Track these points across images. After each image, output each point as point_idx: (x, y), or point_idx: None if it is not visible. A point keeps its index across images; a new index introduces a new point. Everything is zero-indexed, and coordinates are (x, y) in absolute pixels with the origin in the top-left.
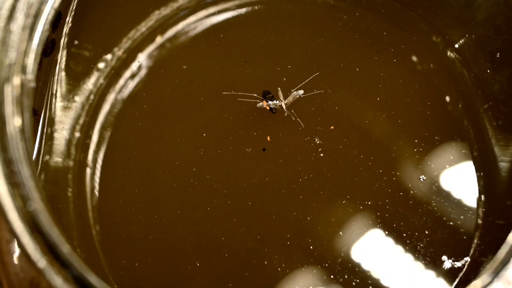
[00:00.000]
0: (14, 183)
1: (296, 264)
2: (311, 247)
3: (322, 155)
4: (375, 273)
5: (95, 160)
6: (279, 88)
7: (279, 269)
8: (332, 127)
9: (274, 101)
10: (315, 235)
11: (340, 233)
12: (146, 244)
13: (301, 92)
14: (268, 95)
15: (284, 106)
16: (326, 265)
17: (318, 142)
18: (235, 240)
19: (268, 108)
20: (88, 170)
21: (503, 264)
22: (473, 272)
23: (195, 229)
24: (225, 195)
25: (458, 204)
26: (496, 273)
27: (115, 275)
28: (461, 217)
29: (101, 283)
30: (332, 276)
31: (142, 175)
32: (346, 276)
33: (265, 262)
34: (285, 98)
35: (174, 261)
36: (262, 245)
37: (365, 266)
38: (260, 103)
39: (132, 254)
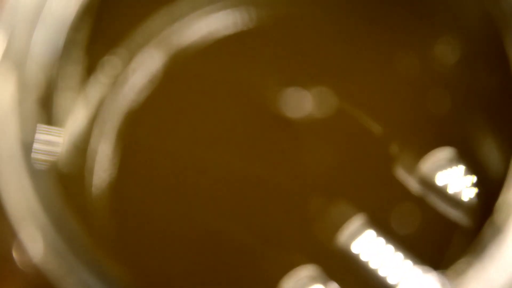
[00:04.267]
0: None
1: (266, 251)
2: (287, 243)
3: (322, 164)
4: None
5: (103, 163)
6: (298, 93)
7: (245, 249)
8: (339, 140)
9: (293, 102)
10: (290, 233)
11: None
12: (162, 244)
13: (321, 98)
14: (286, 97)
15: (300, 109)
16: (298, 264)
17: (324, 152)
18: (211, 220)
19: (285, 109)
20: (97, 174)
21: (483, 246)
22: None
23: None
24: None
25: (453, 204)
26: (476, 255)
27: (132, 275)
28: (456, 216)
29: (117, 284)
30: (298, 278)
31: (150, 175)
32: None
33: (234, 240)
34: (303, 101)
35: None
36: (237, 226)
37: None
38: (279, 103)
39: (148, 255)
